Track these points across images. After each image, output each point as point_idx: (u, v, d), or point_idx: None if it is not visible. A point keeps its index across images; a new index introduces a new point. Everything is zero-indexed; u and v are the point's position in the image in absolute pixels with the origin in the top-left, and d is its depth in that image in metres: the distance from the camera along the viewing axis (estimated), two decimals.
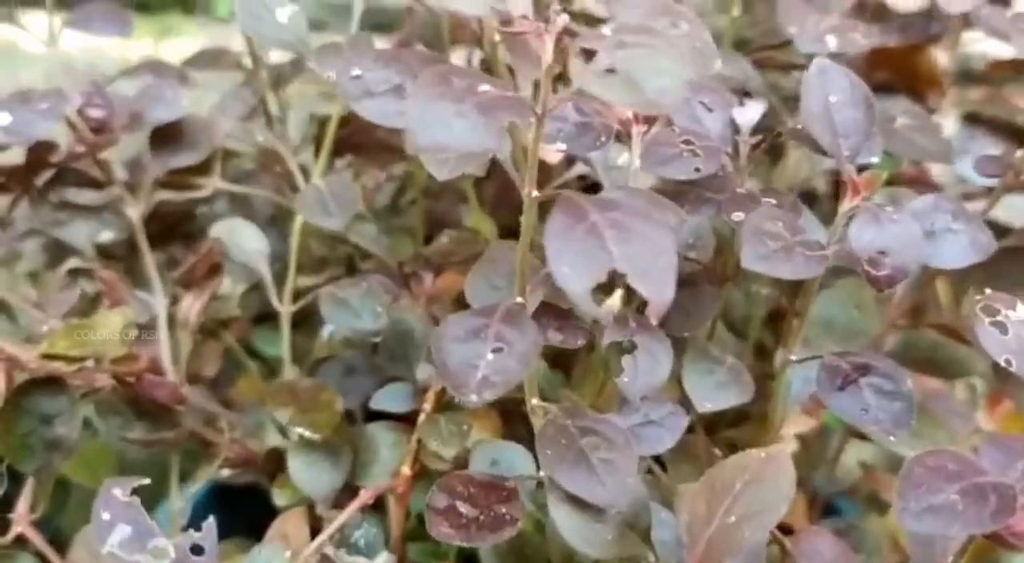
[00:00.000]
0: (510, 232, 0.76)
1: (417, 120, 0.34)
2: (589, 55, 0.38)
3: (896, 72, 0.74)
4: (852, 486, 0.85)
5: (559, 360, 0.65)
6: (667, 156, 0.52)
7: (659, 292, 0.36)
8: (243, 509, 0.62)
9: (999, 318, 0.46)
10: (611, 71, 0.34)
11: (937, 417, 0.68)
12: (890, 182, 0.66)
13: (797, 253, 0.48)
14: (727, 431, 0.68)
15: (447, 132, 0.34)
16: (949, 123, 0.88)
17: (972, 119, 0.86)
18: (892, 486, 0.79)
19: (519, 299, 0.47)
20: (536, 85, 0.41)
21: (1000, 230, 0.71)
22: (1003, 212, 0.67)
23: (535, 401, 0.50)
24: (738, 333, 0.67)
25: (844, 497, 0.83)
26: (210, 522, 0.48)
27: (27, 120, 0.64)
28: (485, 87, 0.35)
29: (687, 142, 0.52)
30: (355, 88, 0.43)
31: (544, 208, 0.43)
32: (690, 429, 0.55)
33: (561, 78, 0.40)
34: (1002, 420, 0.85)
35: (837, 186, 0.61)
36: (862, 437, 0.74)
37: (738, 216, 0.50)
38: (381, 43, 0.81)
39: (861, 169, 0.51)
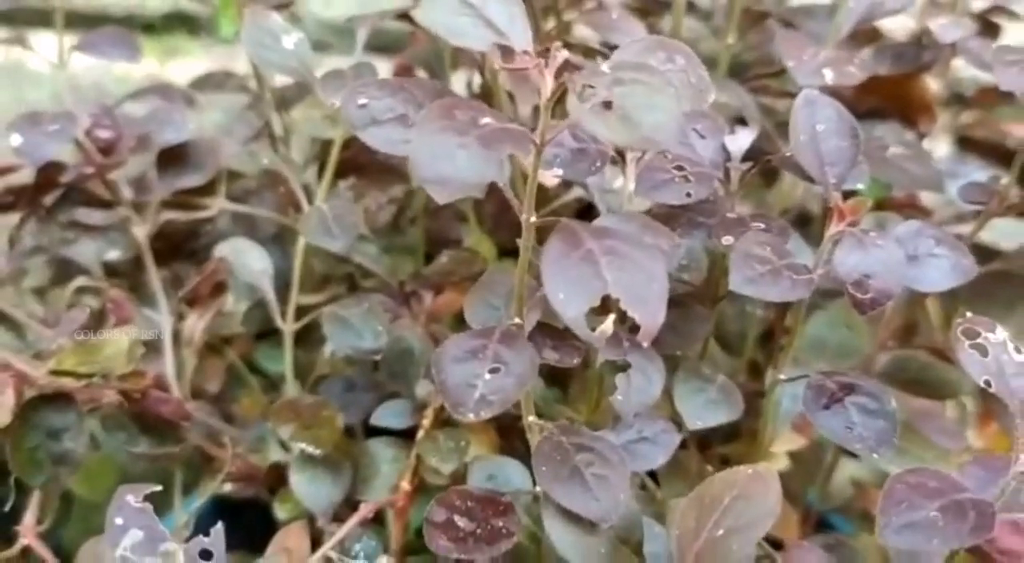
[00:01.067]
0: (509, 251, 0.78)
1: (421, 153, 0.35)
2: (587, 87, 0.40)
3: (889, 98, 0.75)
4: (845, 502, 0.86)
5: (556, 375, 0.66)
6: (660, 181, 0.54)
7: (651, 317, 0.38)
8: (244, 522, 0.63)
9: (979, 340, 0.47)
10: (607, 106, 0.36)
11: (925, 436, 0.69)
12: (881, 206, 0.68)
13: (784, 276, 0.49)
14: (720, 447, 0.69)
15: (450, 164, 0.35)
16: (940, 146, 0.89)
17: (964, 143, 0.88)
18: None
19: (516, 320, 0.48)
20: (535, 109, 0.42)
21: (989, 253, 0.72)
22: (992, 235, 0.68)
23: (531, 418, 0.51)
24: (732, 351, 0.68)
25: (837, 513, 0.84)
26: (218, 528, 0.50)
27: (37, 142, 0.66)
28: (487, 120, 0.37)
29: (680, 168, 0.54)
30: (360, 116, 0.44)
31: (542, 230, 0.44)
32: (683, 445, 0.57)
33: (559, 105, 0.42)
34: (992, 438, 0.86)
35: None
36: (853, 455, 0.75)
37: (727, 240, 0.52)
38: (383, 65, 0.82)
39: (847, 195, 0.52)
